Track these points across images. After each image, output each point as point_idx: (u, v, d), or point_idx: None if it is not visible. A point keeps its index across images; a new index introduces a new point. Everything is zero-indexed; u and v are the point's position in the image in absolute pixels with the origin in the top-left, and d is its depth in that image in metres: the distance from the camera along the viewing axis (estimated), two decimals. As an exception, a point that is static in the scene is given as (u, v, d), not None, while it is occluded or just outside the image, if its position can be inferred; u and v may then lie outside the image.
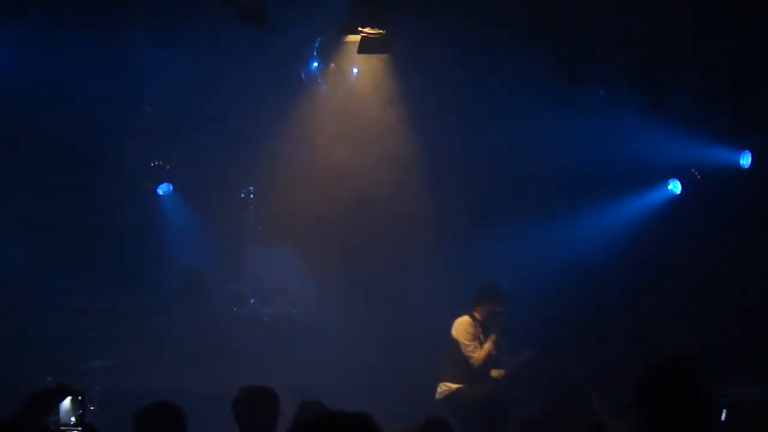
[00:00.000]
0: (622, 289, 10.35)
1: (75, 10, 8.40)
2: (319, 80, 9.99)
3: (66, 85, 9.07)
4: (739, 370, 8.38)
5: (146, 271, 10.58)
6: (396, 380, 9.94)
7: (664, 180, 10.61)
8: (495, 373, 8.89)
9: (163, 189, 10.97)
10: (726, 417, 6.29)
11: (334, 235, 10.81)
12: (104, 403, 8.74)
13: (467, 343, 8.82)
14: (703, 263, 9.91)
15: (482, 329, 8.89)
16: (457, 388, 8.79)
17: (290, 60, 9.70)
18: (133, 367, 9.49)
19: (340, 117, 10.16)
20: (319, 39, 9.55)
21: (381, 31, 8.70)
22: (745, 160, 9.68)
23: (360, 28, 8.78)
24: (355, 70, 9.94)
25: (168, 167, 10.89)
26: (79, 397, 2.74)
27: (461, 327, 8.89)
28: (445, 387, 8.88)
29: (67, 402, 2.73)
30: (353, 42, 9.03)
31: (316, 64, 9.81)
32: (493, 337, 8.81)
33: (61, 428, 2.76)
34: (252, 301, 11.07)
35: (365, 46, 8.89)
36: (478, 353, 8.78)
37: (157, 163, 10.83)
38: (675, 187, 10.58)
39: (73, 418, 2.75)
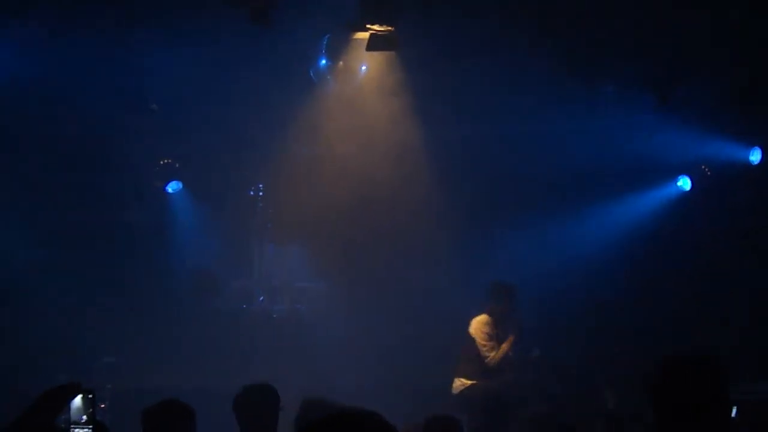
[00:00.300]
0: (631, 287, 10.33)
1: (83, 10, 8.36)
2: (328, 78, 9.99)
3: (70, 84, 9.04)
4: (750, 368, 8.35)
5: (156, 269, 10.60)
6: (403, 378, 9.95)
7: (674, 177, 10.60)
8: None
9: (172, 187, 10.99)
10: (736, 414, 6.28)
11: (342, 232, 10.82)
12: (115, 401, 8.77)
13: (483, 342, 8.80)
14: (712, 259, 9.89)
15: (500, 329, 8.88)
16: (471, 384, 8.79)
17: (299, 58, 9.68)
18: (144, 365, 9.54)
19: (348, 114, 10.17)
20: (327, 37, 9.54)
21: (389, 28, 8.68)
22: (755, 156, 9.68)
23: (368, 25, 8.77)
24: (363, 68, 9.93)
25: (177, 165, 10.92)
26: (90, 395, 2.73)
27: (478, 326, 8.87)
28: (460, 382, 8.87)
29: (77, 400, 2.72)
30: (362, 39, 9.02)
31: (324, 61, 9.81)
32: (511, 338, 8.81)
33: (72, 426, 2.75)
34: (261, 299, 11.10)
35: (374, 43, 8.87)
36: (493, 354, 8.77)
37: (166, 161, 10.86)
38: (685, 183, 10.57)
39: (83, 416, 2.74)
